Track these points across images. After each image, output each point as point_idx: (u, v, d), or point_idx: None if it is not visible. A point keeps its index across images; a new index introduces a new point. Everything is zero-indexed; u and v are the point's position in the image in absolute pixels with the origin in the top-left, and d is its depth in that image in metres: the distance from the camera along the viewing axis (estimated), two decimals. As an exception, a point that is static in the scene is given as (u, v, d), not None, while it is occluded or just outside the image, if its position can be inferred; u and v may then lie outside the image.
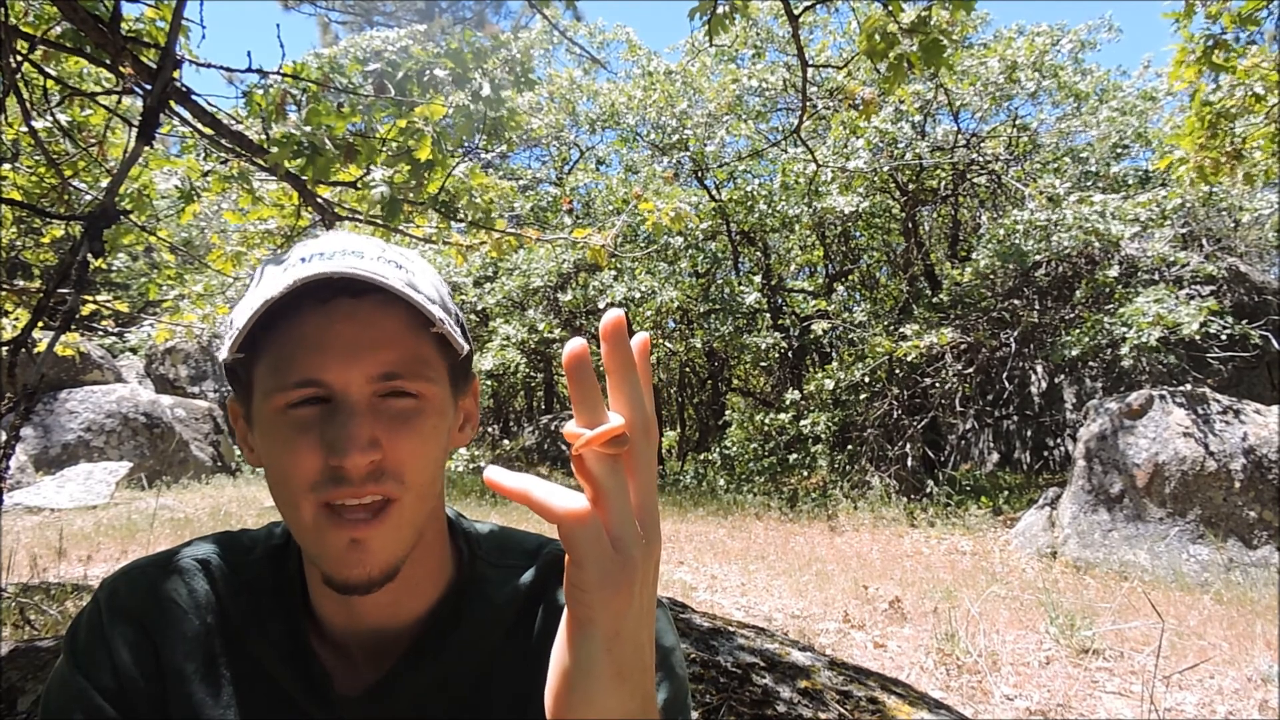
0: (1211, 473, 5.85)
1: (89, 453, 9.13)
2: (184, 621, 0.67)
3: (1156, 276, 8.57)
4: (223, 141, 2.51)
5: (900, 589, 5.06)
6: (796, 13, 2.76)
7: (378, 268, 0.60)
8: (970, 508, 8.02)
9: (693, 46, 11.67)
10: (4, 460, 1.94)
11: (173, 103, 2.25)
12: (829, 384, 9.53)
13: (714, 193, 12.12)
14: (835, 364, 9.91)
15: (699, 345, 12.99)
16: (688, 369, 15.78)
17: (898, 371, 9.59)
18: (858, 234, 12.71)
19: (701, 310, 12.43)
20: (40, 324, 2.08)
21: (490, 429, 15.95)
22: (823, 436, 9.65)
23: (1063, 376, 10.27)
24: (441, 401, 0.64)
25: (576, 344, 0.41)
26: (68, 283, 1.90)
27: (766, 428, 10.24)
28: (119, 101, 2.84)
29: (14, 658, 2.13)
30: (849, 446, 9.70)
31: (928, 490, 8.66)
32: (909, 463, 9.14)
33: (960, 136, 10.14)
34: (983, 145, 10.35)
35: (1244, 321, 7.23)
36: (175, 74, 2.12)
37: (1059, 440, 10.25)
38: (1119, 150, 10.36)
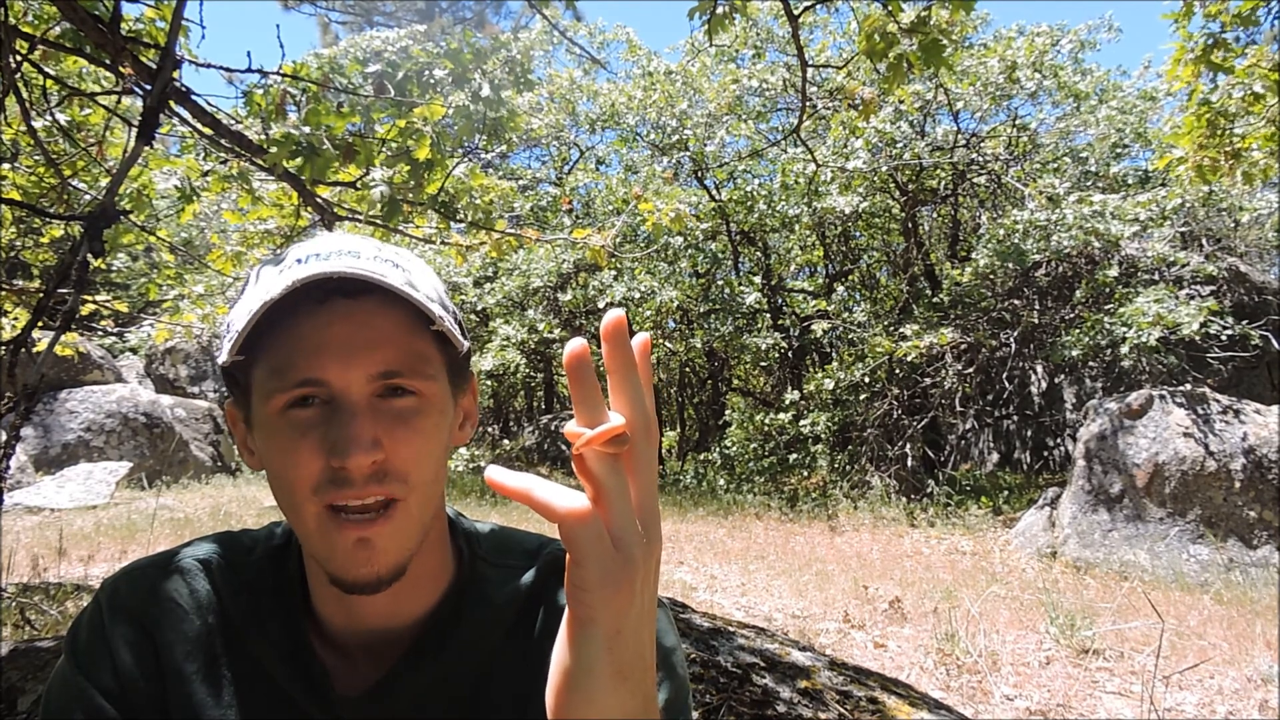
0: (1211, 473, 5.85)
1: (89, 453, 9.13)
2: (185, 621, 0.67)
3: (1156, 276, 8.57)
4: (222, 141, 2.51)
5: (900, 589, 5.06)
6: (796, 13, 2.76)
7: (375, 267, 0.60)
8: (970, 508, 8.02)
9: (693, 46, 11.67)
10: (4, 460, 1.94)
11: (172, 103, 2.25)
12: (829, 384, 9.53)
13: (714, 193, 12.12)
14: (835, 364, 9.91)
15: (699, 345, 12.99)
16: (688, 369, 15.78)
17: (898, 371, 9.59)
18: (858, 234, 12.70)
19: (701, 310, 12.43)
20: (40, 324, 2.08)
21: (490, 429, 15.95)
22: (823, 436, 9.65)
23: (1063, 376, 10.27)
24: (442, 399, 0.64)
25: (577, 344, 0.41)
26: (67, 283, 1.90)
27: (766, 428, 10.23)
28: (119, 101, 2.84)
29: (14, 658, 2.13)
30: (849, 446, 9.70)
31: (928, 490, 8.66)
32: (909, 463, 9.13)
33: (960, 136, 10.14)
34: (983, 145, 10.34)
35: (1244, 321, 7.23)
36: (175, 74, 2.12)
37: (1059, 440, 10.25)
38: (1119, 150, 10.35)
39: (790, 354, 11.96)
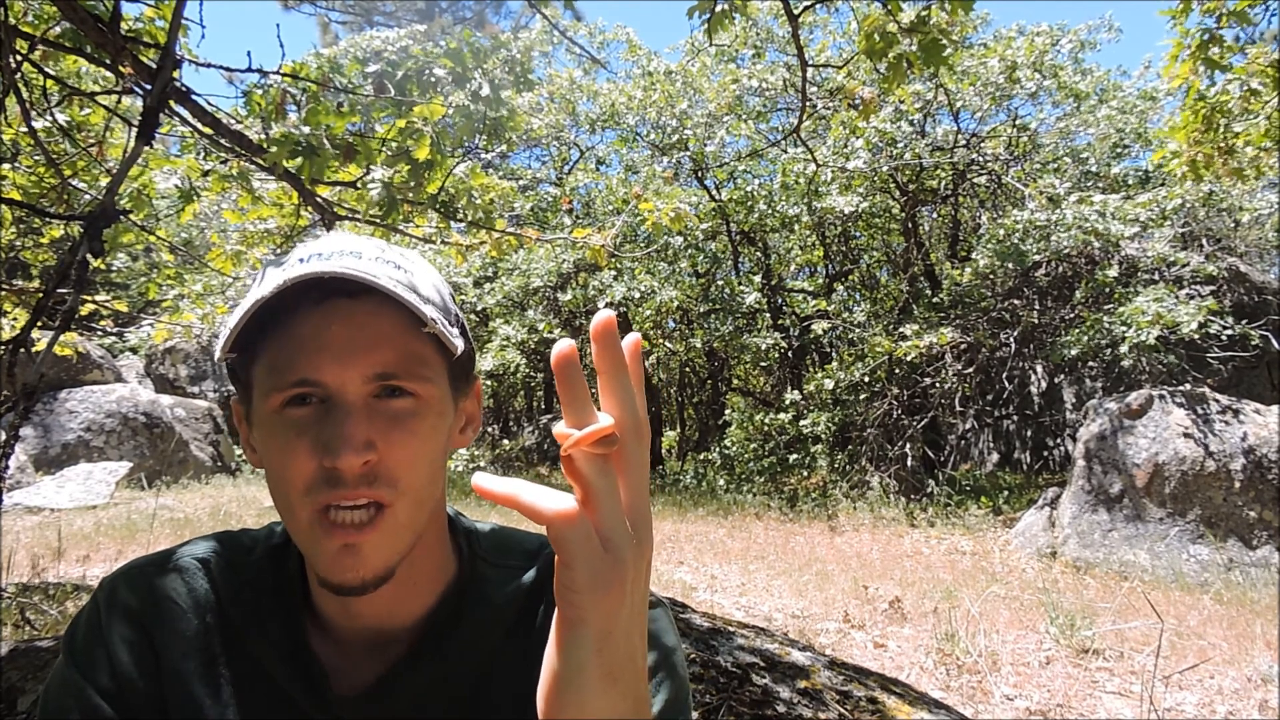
0: (1211, 473, 5.85)
1: (89, 453, 9.13)
2: (183, 621, 0.67)
3: (1156, 276, 8.57)
4: (222, 141, 2.51)
5: (900, 589, 5.06)
6: (796, 12, 2.76)
7: (374, 268, 0.60)
8: (970, 508, 8.02)
9: (693, 46, 11.67)
10: (4, 460, 1.94)
11: (172, 102, 2.25)
12: (829, 384, 9.53)
13: (714, 193, 12.12)
14: (835, 364, 9.91)
15: (699, 345, 12.98)
16: (687, 369, 15.78)
17: (898, 371, 9.59)
18: (858, 234, 12.70)
19: (701, 310, 12.43)
20: (39, 324, 2.08)
21: (490, 429, 15.95)
22: (823, 436, 9.65)
23: (1063, 376, 10.27)
24: (440, 402, 0.64)
25: (564, 345, 0.41)
26: (67, 283, 1.90)
27: (766, 428, 10.23)
28: (119, 101, 2.84)
29: (14, 658, 2.13)
30: (849, 446, 9.70)
31: (928, 490, 8.66)
32: (909, 463, 9.13)
33: (960, 136, 10.14)
34: (983, 145, 10.34)
35: (1244, 321, 7.23)
36: (175, 74, 2.12)
37: (1059, 440, 10.25)
38: (1119, 150, 10.36)
39: (790, 354, 11.96)
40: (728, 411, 12.20)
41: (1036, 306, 9.37)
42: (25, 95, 2.46)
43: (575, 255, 10.41)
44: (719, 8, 2.49)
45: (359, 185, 2.75)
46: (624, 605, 0.44)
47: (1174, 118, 4.94)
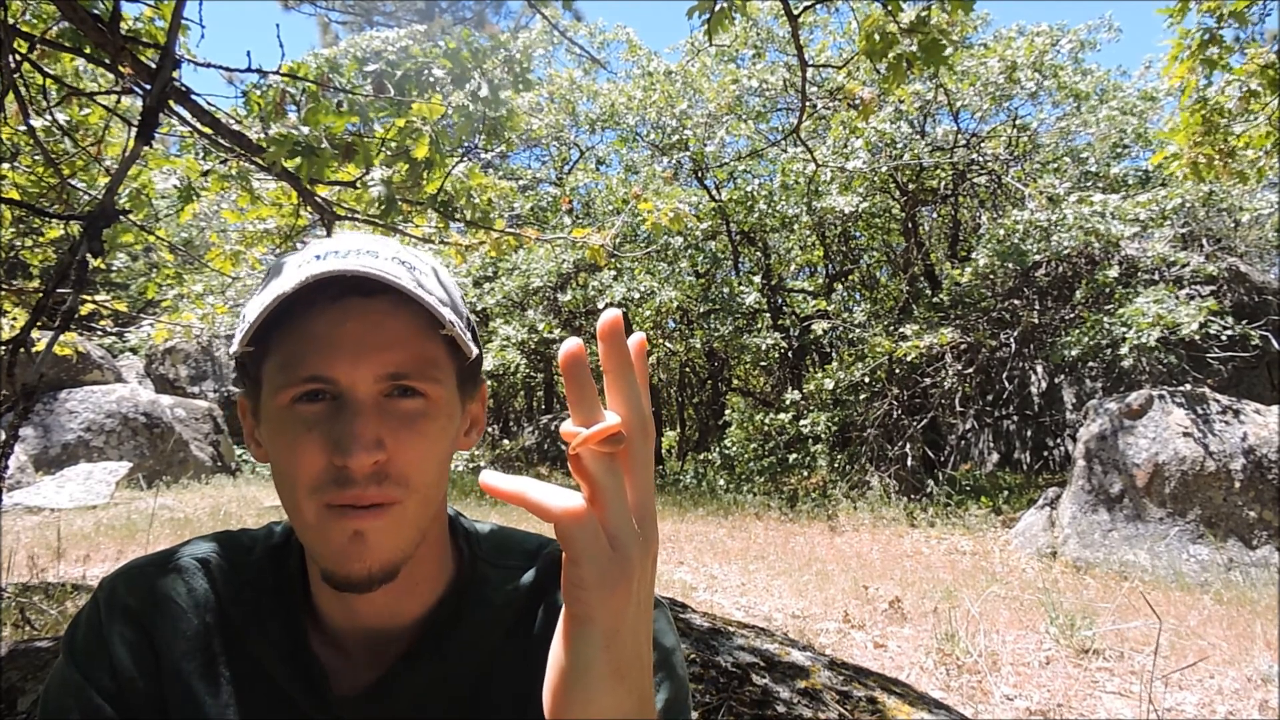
0: (1211, 473, 5.85)
1: (89, 453, 9.13)
2: (183, 621, 0.67)
3: (1156, 276, 8.57)
4: (221, 141, 2.51)
5: (900, 589, 5.05)
6: (796, 13, 2.76)
7: (390, 268, 0.60)
8: (970, 508, 8.02)
9: (692, 46, 11.66)
10: (4, 460, 1.94)
11: (172, 102, 2.24)
12: (829, 384, 9.53)
13: (714, 193, 12.12)
14: (835, 364, 9.91)
15: (699, 345, 12.98)
16: (687, 369, 15.78)
17: (898, 371, 9.59)
18: (858, 234, 12.70)
19: (701, 310, 12.43)
20: (39, 324, 2.08)
21: (491, 429, 15.96)
22: (822, 436, 9.65)
23: (1063, 376, 10.27)
24: (449, 404, 0.64)
25: (573, 344, 0.41)
26: (67, 283, 1.90)
27: (766, 428, 10.23)
28: (118, 101, 2.84)
29: (14, 658, 2.13)
30: (849, 446, 9.70)
31: (928, 490, 8.66)
32: (909, 463, 9.13)
33: (960, 136, 10.14)
34: (983, 145, 10.34)
35: (1244, 322, 7.23)
36: (175, 74, 2.12)
37: (1059, 440, 10.24)
38: (1119, 150, 10.35)
39: (790, 354, 11.96)
40: (728, 411, 12.21)
41: (1036, 306, 9.37)
42: (25, 95, 2.46)
43: (575, 255, 10.41)
44: (719, 7, 2.49)
45: (358, 185, 2.75)
46: (631, 603, 0.44)
47: (1174, 118, 4.94)
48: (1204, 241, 9.26)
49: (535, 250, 10.74)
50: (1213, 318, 7.03)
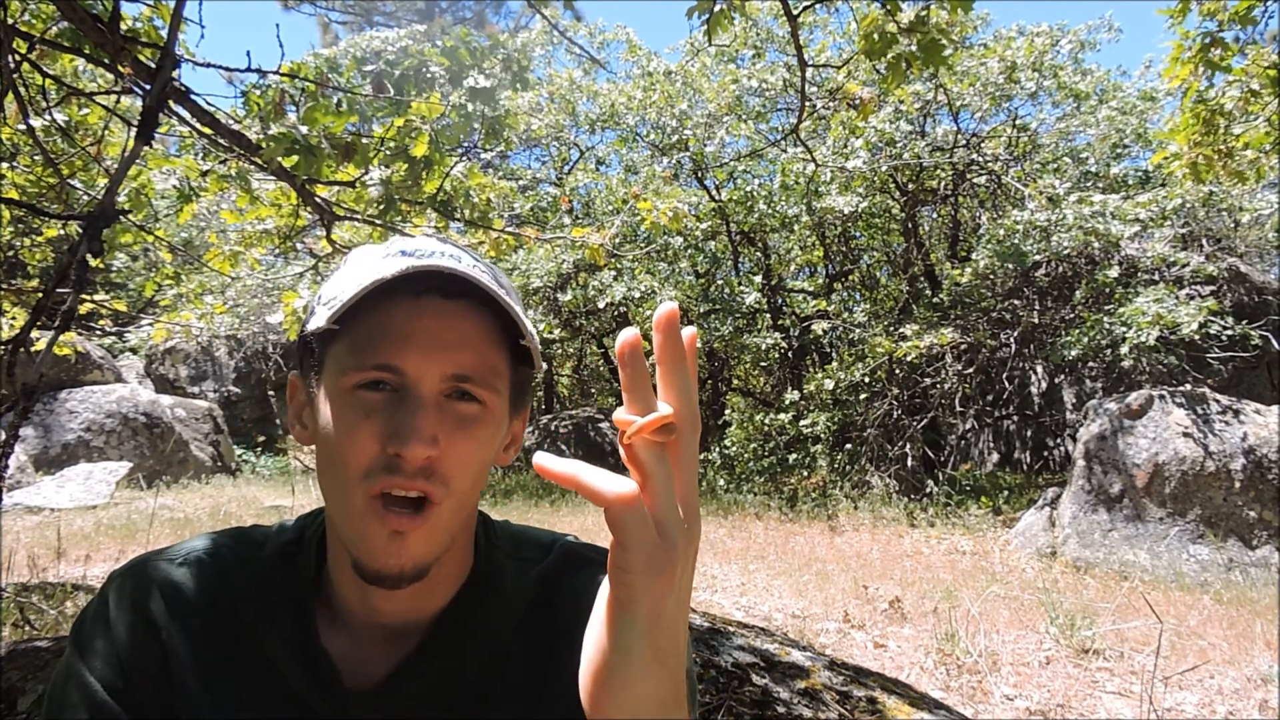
0: (1211, 473, 5.85)
1: (89, 453, 9.12)
2: (192, 616, 0.67)
3: (1156, 276, 8.57)
4: (221, 141, 2.51)
5: (900, 589, 5.05)
6: (795, 13, 2.76)
7: (476, 275, 0.62)
8: (970, 508, 8.01)
9: (692, 47, 11.66)
10: (4, 460, 1.94)
11: (171, 102, 2.24)
12: (829, 384, 9.52)
13: (714, 193, 12.11)
14: (835, 364, 9.90)
15: (699, 345, 12.95)
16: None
17: (898, 371, 9.58)
18: (858, 234, 12.69)
19: (701, 310, 12.42)
20: (39, 324, 2.08)
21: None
22: (822, 436, 9.64)
23: (1063, 377, 10.27)
24: (500, 415, 0.66)
25: (630, 334, 0.43)
26: (66, 282, 1.90)
27: (766, 428, 10.22)
28: (117, 101, 2.84)
29: (14, 658, 2.13)
30: (849, 446, 9.69)
31: (928, 490, 8.65)
32: (909, 463, 9.13)
33: (960, 136, 10.14)
34: (983, 145, 10.34)
35: (1244, 322, 7.22)
36: (174, 73, 2.12)
37: (1059, 440, 10.24)
38: (1119, 150, 10.35)
39: (790, 354, 11.95)
40: (728, 411, 12.20)
41: (1036, 307, 9.37)
42: (24, 95, 2.46)
43: (575, 255, 10.40)
44: (718, 8, 2.49)
45: (357, 185, 2.75)
46: (673, 590, 0.45)
47: (1174, 118, 4.94)
48: (1204, 241, 9.26)
49: (535, 250, 10.74)
50: (1213, 318, 7.03)
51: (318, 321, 0.63)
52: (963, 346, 9.15)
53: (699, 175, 12.20)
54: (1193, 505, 5.89)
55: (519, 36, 11.61)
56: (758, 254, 12.95)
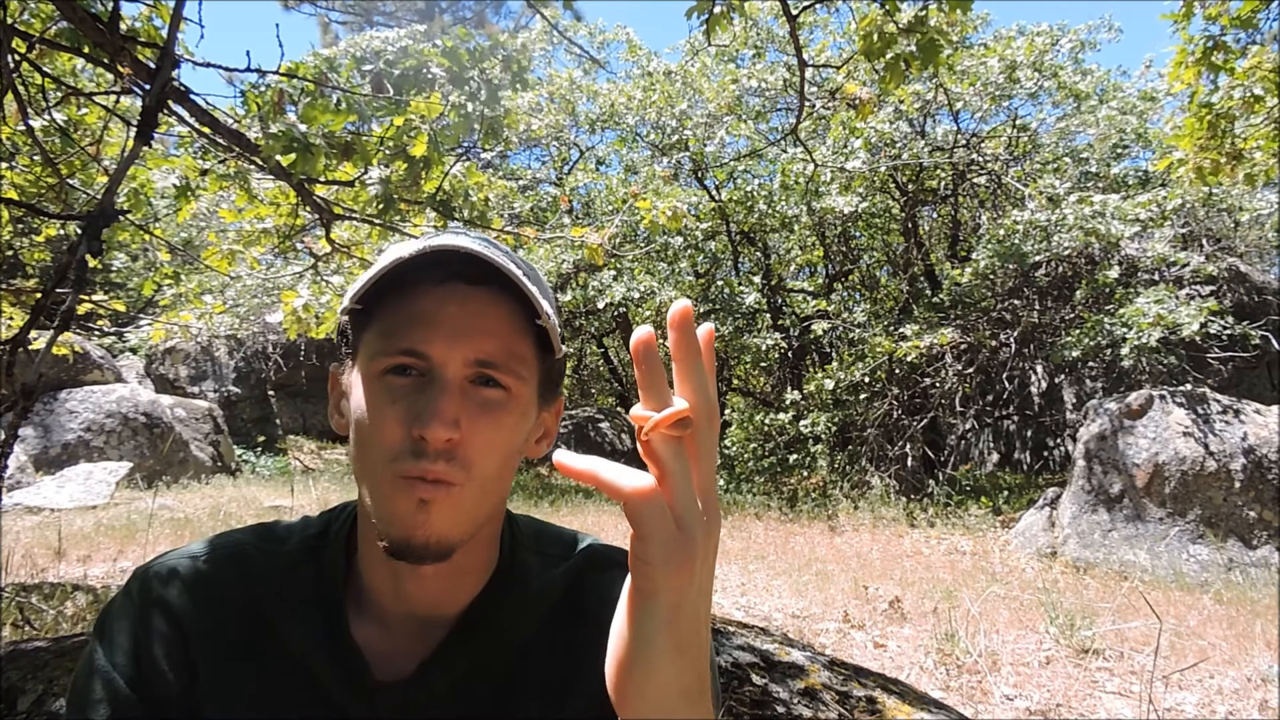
0: (1211, 473, 5.85)
1: (89, 453, 9.12)
2: (217, 612, 0.67)
3: (1156, 277, 8.57)
4: (220, 140, 2.51)
5: (900, 589, 5.05)
6: (795, 13, 2.76)
7: (502, 260, 0.63)
8: (970, 508, 8.01)
9: (692, 47, 11.66)
10: (3, 460, 1.94)
11: (171, 102, 2.24)
12: (829, 384, 9.52)
13: (714, 193, 12.11)
14: (835, 364, 9.90)
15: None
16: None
17: (898, 371, 9.58)
18: (857, 234, 12.69)
19: (701, 310, 12.41)
20: (38, 323, 2.08)
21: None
22: (823, 436, 9.64)
23: (1063, 377, 10.26)
24: (526, 402, 0.66)
25: (644, 331, 0.43)
26: (66, 282, 1.89)
27: (766, 428, 10.22)
28: (117, 101, 2.84)
29: (14, 658, 2.13)
30: (849, 446, 9.69)
31: (928, 490, 8.65)
32: (909, 463, 9.13)
33: (960, 136, 10.14)
34: (983, 145, 10.33)
35: (1244, 322, 7.22)
36: (174, 73, 2.12)
37: (1059, 440, 10.24)
38: (1119, 150, 10.34)
39: (790, 354, 11.95)
40: (728, 411, 12.19)
41: (1036, 307, 9.36)
42: (24, 94, 2.46)
43: (575, 255, 10.39)
44: (717, 8, 2.49)
45: (356, 184, 2.75)
46: (693, 581, 0.46)
47: (1174, 118, 4.94)
48: (1204, 241, 9.26)
49: (535, 250, 10.73)
50: (1213, 318, 7.03)
51: (346, 299, 0.65)
52: (963, 346, 9.15)
53: (699, 175, 12.20)
54: (1193, 505, 5.89)
55: (519, 37, 11.60)
56: (758, 254, 12.95)
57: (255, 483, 9.36)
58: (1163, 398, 6.36)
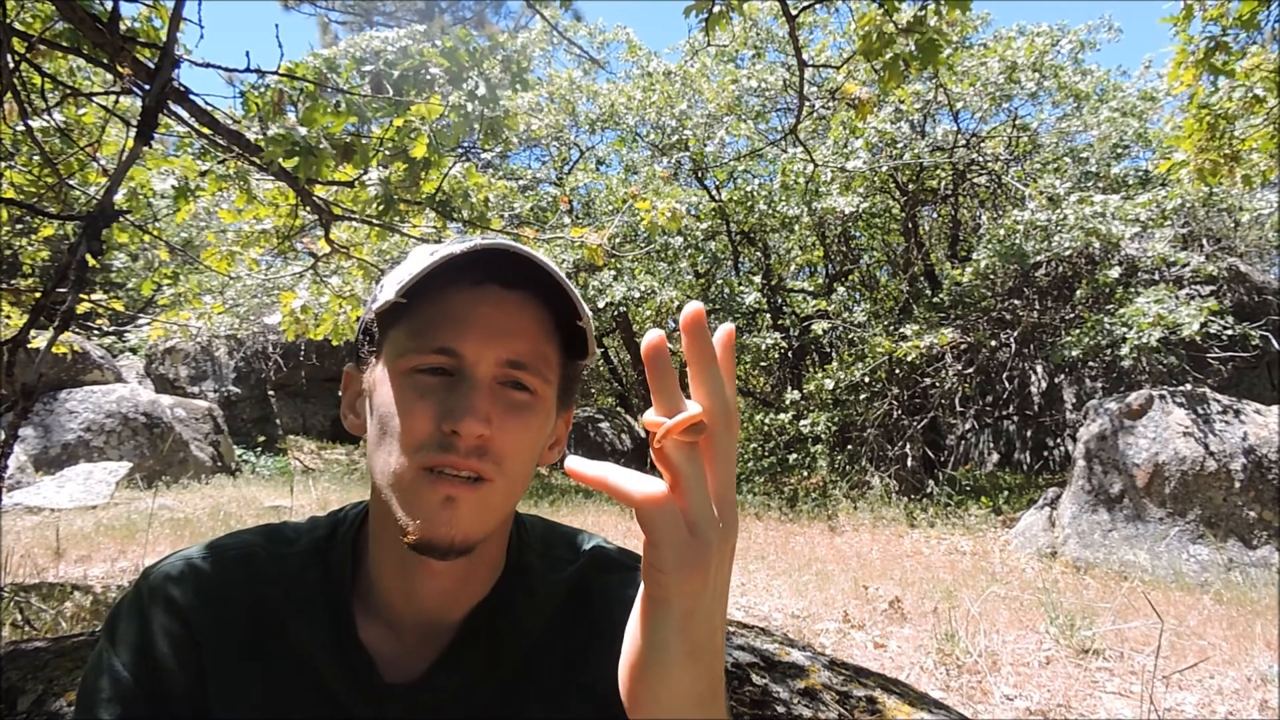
0: (1211, 473, 5.85)
1: (89, 453, 9.12)
2: (225, 613, 0.67)
3: (1157, 277, 8.56)
4: (219, 140, 2.51)
5: (900, 589, 5.05)
6: (794, 13, 2.76)
7: (542, 261, 0.64)
8: (970, 508, 8.01)
9: (692, 47, 11.66)
10: (3, 460, 1.94)
11: (170, 102, 2.24)
12: (829, 384, 9.52)
13: (714, 193, 12.11)
14: (835, 364, 9.90)
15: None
16: (687, 369, 15.72)
17: (898, 371, 9.58)
18: (858, 234, 12.69)
19: (701, 310, 12.41)
20: (37, 323, 2.08)
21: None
22: (823, 436, 9.64)
23: (1063, 377, 10.26)
24: (549, 406, 0.67)
25: (654, 335, 0.43)
26: (65, 282, 1.89)
27: (766, 428, 10.22)
28: (116, 101, 2.83)
29: (14, 658, 2.13)
30: (849, 446, 9.69)
31: (928, 490, 8.65)
32: (909, 463, 9.13)
33: (960, 136, 10.13)
34: (983, 145, 10.33)
35: (1244, 322, 7.22)
36: (173, 74, 2.12)
37: (1059, 440, 10.24)
38: (1119, 151, 10.34)
39: (790, 354, 11.94)
40: (728, 412, 12.14)
41: (1037, 307, 9.36)
42: (24, 95, 2.46)
43: (574, 255, 10.39)
44: (716, 8, 2.49)
45: (356, 185, 2.75)
46: (707, 587, 0.45)
47: (1174, 119, 4.93)
48: (1204, 241, 9.26)
49: (534, 250, 10.73)
50: (1213, 318, 7.03)
51: (385, 298, 0.64)
52: (963, 346, 9.14)
53: (699, 175, 12.20)
54: (1193, 505, 5.89)
55: (519, 37, 11.61)
56: (758, 254, 12.95)
57: (255, 483, 9.36)
58: (1163, 398, 6.36)
